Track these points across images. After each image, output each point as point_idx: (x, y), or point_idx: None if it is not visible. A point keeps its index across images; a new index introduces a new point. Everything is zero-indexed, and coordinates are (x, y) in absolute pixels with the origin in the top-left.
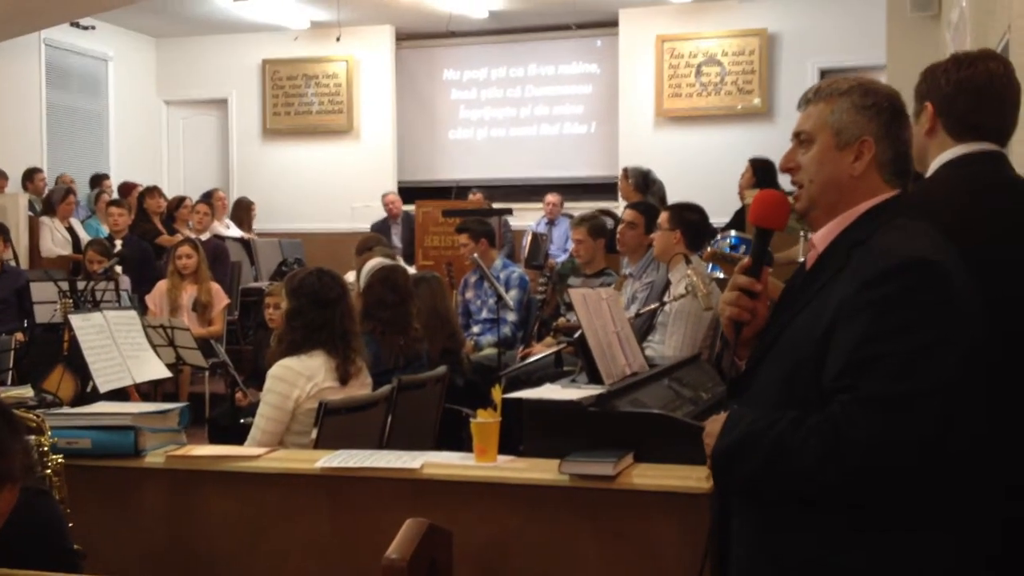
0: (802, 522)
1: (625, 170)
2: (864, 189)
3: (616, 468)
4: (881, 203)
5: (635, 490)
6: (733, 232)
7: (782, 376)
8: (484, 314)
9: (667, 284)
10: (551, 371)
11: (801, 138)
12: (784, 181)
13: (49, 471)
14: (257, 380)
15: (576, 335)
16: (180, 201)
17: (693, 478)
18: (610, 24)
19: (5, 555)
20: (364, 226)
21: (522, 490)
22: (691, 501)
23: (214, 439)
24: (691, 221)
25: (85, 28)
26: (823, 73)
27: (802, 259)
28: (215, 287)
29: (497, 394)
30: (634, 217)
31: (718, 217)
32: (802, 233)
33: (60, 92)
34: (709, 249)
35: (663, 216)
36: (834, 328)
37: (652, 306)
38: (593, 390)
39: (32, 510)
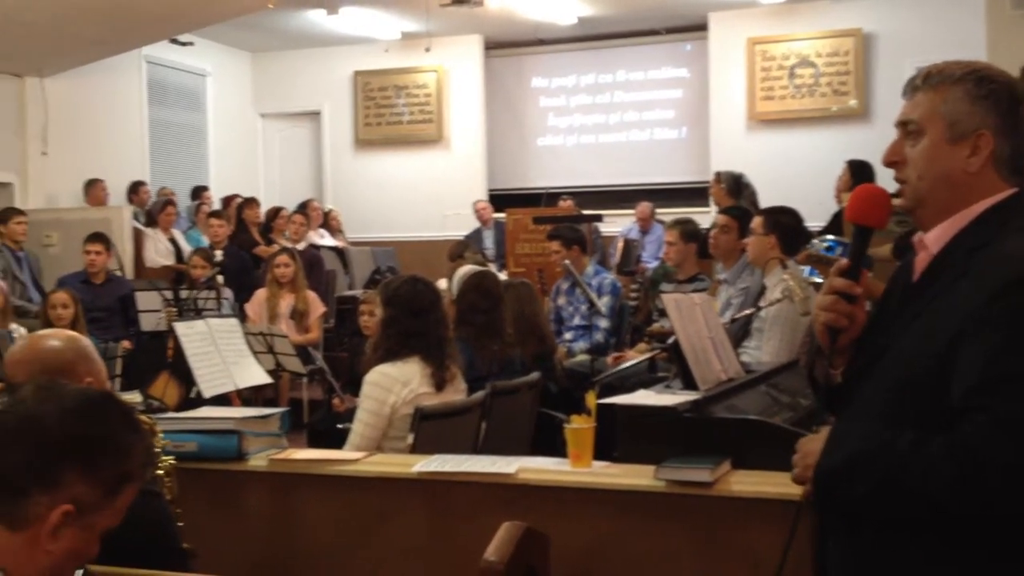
0: (904, 540)
1: (717, 175)
2: (980, 187)
3: (713, 474)
4: (1000, 202)
5: (733, 497)
6: (830, 236)
7: (891, 390)
8: (576, 320)
9: (762, 289)
10: (645, 377)
11: (909, 128)
12: (883, 183)
13: (161, 472)
14: (353, 386)
15: (670, 341)
16: (276, 212)
17: (794, 485)
18: (699, 28)
19: (119, 554)
20: (455, 234)
21: (618, 496)
22: (791, 509)
23: (313, 444)
24: (786, 225)
25: (184, 44)
26: None
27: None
28: (311, 295)
29: (592, 400)
30: (727, 222)
31: (813, 221)
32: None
33: (161, 107)
34: (805, 252)
35: (757, 220)
36: (957, 342)
37: (747, 311)
38: (688, 396)
39: (144, 510)
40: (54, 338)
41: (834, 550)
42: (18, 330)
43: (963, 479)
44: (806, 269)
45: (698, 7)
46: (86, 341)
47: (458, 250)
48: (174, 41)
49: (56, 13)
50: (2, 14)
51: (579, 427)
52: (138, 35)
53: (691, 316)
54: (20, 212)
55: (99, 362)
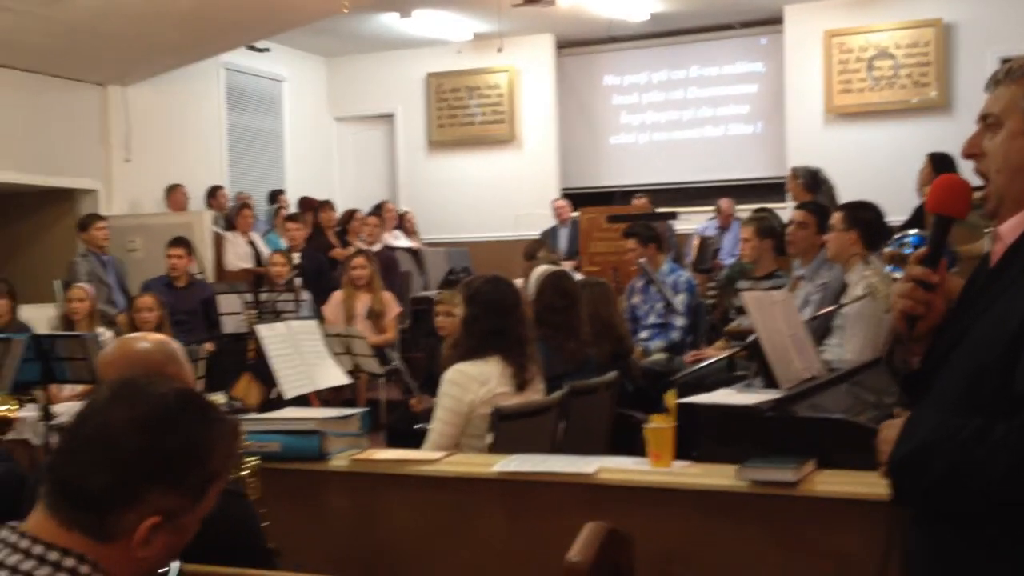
0: (976, 538)
1: (794, 170)
2: None
3: (797, 474)
4: None
5: (818, 497)
6: (913, 231)
7: (966, 378)
8: (652, 319)
9: (844, 286)
10: (723, 376)
11: (988, 121)
12: (965, 176)
13: (245, 473)
14: (430, 386)
15: (750, 339)
16: (351, 214)
17: (880, 485)
18: (774, 21)
19: (207, 554)
20: (527, 233)
21: (699, 496)
22: (878, 509)
23: (391, 443)
24: (867, 220)
25: (261, 51)
26: (1004, 63)
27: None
28: (387, 296)
29: (671, 399)
30: (805, 217)
31: (894, 216)
32: (986, 230)
33: (239, 113)
34: (888, 250)
35: (837, 216)
36: None
37: (829, 308)
38: (769, 395)
39: (230, 511)
40: (144, 340)
41: (917, 541)
42: (104, 333)
43: (1016, 468)
44: (889, 267)
45: (773, 0)
46: (175, 344)
47: (532, 249)
48: (251, 47)
49: (137, 22)
50: (85, 25)
51: (659, 427)
52: (217, 42)
53: (771, 314)
54: (101, 218)
55: (187, 364)
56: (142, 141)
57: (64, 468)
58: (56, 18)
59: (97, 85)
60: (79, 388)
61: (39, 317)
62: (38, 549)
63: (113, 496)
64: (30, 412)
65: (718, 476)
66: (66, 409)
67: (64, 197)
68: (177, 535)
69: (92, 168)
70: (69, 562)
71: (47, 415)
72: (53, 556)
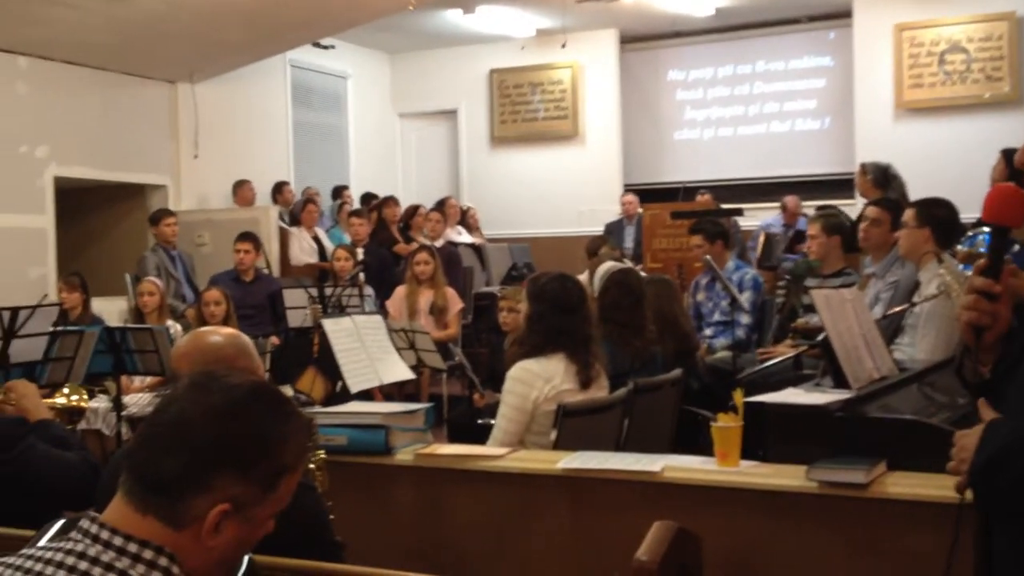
0: None
1: (863, 166)
2: None
3: (868, 476)
4: None
5: (889, 499)
6: (986, 229)
7: None
8: (716, 316)
9: (916, 284)
10: (789, 374)
11: None
12: None
13: (313, 466)
14: (493, 382)
15: (819, 338)
16: (415, 210)
17: (953, 487)
18: (843, 15)
19: (277, 547)
20: (590, 230)
21: (767, 496)
22: (949, 512)
23: (453, 438)
24: (940, 217)
25: (326, 48)
26: None
27: None
28: (450, 292)
29: (739, 398)
30: (879, 214)
31: (968, 213)
32: None
33: (304, 110)
34: (962, 249)
35: (909, 213)
36: None
37: (901, 307)
38: (839, 395)
39: (301, 504)
40: (216, 334)
41: (1000, 543)
42: (174, 326)
43: None
44: (962, 265)
45: None
46: (245, 338)
47: (595, 246)
48: (316, 45)
49: (206, 20)
50: (155, 23)
51: (726, 425)
52: (283, 40)
53: (841, 312)
54: (171, 213)
55: (257, 358)
56: (210, 137)
57: (140, 453)
58: (126, 17)
59: (167, 82)
60: (149, 380)
61: (110, 310)
62: (118, 540)
63: (184, 480)
64: (102, 403)
65: (787, 476)
66: (136, 400)
67: (134, 193)
68: (248, 527)
69: (162, 164)
70: (148, 554)
71: (118, 406)
72: (133, 548)
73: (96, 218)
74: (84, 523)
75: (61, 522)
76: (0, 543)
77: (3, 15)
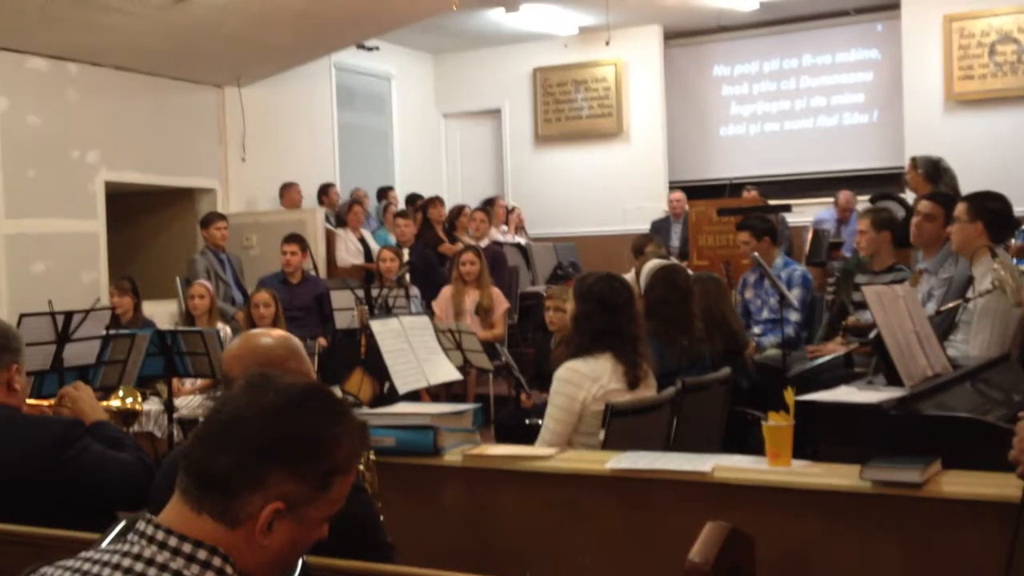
0: None
1: (913, 159)
2: None
3: (924, 475)
4: None
5: (945, 499)
6: None
7: None
8: (765, 314)
9: (969, 280)
10: (840, 372)
11: None
12: None
13: (362, 467)
14: (539, 382)
15: (871, 335)
16: (460, 210)
17: (1011, 486)
18: (891, 7)
19: (329, 547)
20: (635, 228)
21: (820, 496)
22: (1005, 511)
23: (500, 438)
24: (994, 211)
25: (370, 49)
26: None
27: None
28: (496, 292)
29: (790, 397)
30: (932, 209)
31: (1020, 207)
32: None
33: (349, 111)
34: (1016, 243)
35: (961, 207)
36: None
37: (954, 303)
38: (892, 393)
39: (353, 505)
40: (266, 336)
41: None
42: (223, 329)
43: None
44: (1015, 259)
45: None
46: (296, 340)
47: (640, 244)
48: (360, 46)
49: (253, 24)
50: (203, 27)
51: (778, 425)
52: (328, 42)
53: (894, 309)
54: (221, 217)
55: (307, 360)
56: (257, 140)
57: (195, 451)
58: (174, 22)
59: (214, 87)
60: (199, 382)
61: (160, 313)
62: (173, 540)
63: (237, 476)
64: (153, 405)
65: (840, 476)
66: (187, 402)
67: (184, 196)
68: (301, 528)
69: (210, 168)
70: (202, 554)
71: (170, 408)
72: (187, 548)
73: (146, 222)
74: (140, 524)
75: (122, 524)
76: (54, 544)
77: (56, 22)
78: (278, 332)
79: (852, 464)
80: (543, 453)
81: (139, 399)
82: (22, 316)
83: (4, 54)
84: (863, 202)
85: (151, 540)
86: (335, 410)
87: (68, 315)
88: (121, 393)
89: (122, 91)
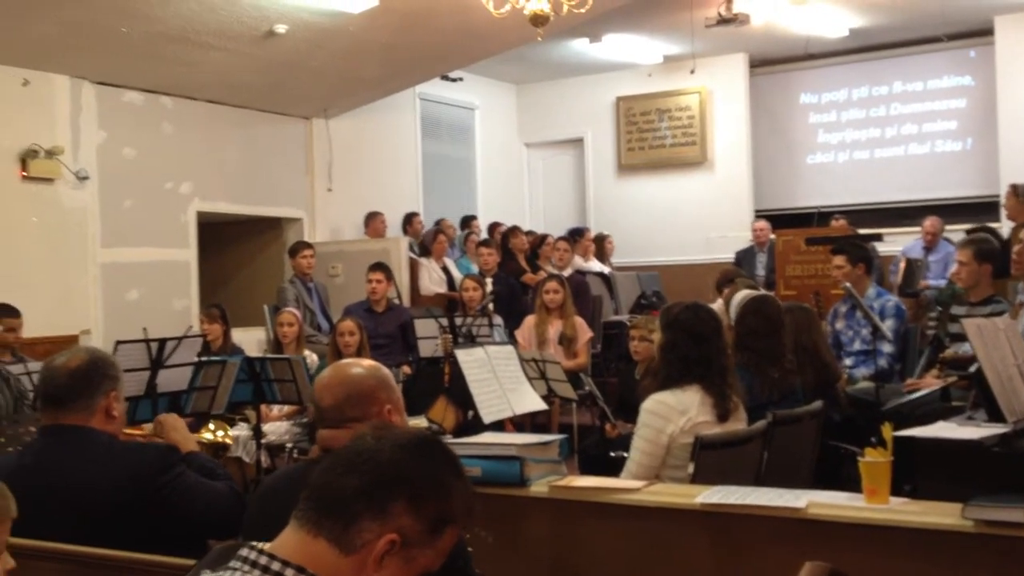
0: None
1: (1013, 187)
2: None
3: None
4: None
5: None
6: None
7: None
8: (857, 345)
9: None
10: (937, 407)
11: None
12: None
13: None
14: (623, 412)
15: (972, 368)
16: (543, 239)
17: None
18: (984, 33)
19: None
20: (720, 256)
21: (920, 535)
22: None
23: (584, 469)
24: None
25: (454, 80)
26: None
27: None
28: (579, 321)
29: (887, 432)
30: None
31: None
32: None
33: (433, 141)
34: None
35: None
36: None
37: None
38: (994, 428)
39: None
40: (358, 366)
41: None
42: (310, 356)
43: None
44: None
45: (982, 11)
46: (386, 370)
47: (727, 276)
48: (445, 77)
49: (342, 58)
50: (293, 61)
51: (876, 460)
52: (414, 74)
53: (995, 342)
54: (308, 246)
55: (397, 390)
56: (343, 171)
57: (321, 478)
58: (267, 56)
59: (303, 119)
60: (286, 408)
61: (248, 340)
62: (276, 565)
63: (360, 500)
64: (242, 431)
65: (941, 514)
66: (274, 428)
67: (271, 226)
68: (406, 570)
69: (298, 198)
70: None
71: (258, 434)
72: (289, 573)
73: (235, 251)
74: (244, 551)
75: (218, 550)
76: (145, 570)
77: (154, 58)
78: (368, 362)
79: (953, 502)
80: (631, 486)
81: (228, 431)
82: (118, 343)
83: (103, 88)
84: (952, 231)
85: (254, 565)
86: (457, 464)
87: (162, 342)
88: (212, 426)
89: (214, 124)
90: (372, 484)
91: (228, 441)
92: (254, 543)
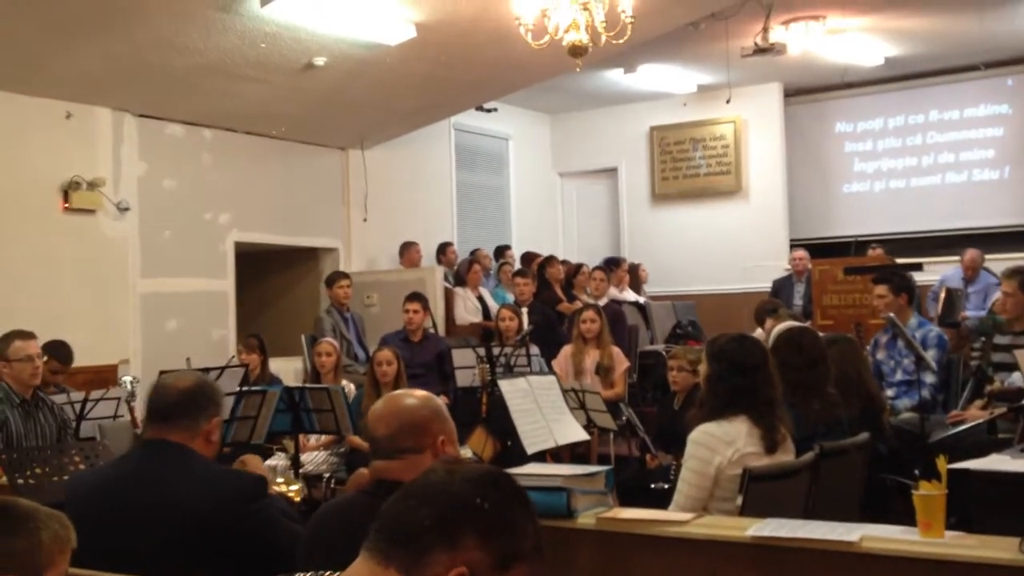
0: None
1: None
2: None
3: None
4: None
5: None
6: None
7: None
8: (899, 376)
9: None
10: (983, 438)
11: None
12: None
13: None
14: (662, 442)
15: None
16: (578, 268)
17: None
18: (1022, 61)
19: None
20: (756, 286)
21: (976, 570)
22: None
23: (624, 501)
24: None
25: (488, 111)
26: None
27: None
28: (616, 351)
29: (942, 464)
30: None
31: None
32: None
33: (467, 171)
34: None
35: None
36: None
37: None
38: None
39: None
40: (411, 396)
41: None
42: (348, 386)
43: None
44: None
45: (1020, 39)
46: (439, 401)
47: (766, 307)
48: (479, 108)
49: (378, 90)
50: (331, 93)
51: (930, 494)
52: (450, 105)
53: None
54: (345, 276)
55: (450, 421)
56: (378, 201)
57: (392, 510)
58: (305, 88)
59: (339, 149)
60: (324, 438)
61: (285, 369)
62: None
63: (432, 531)
64: (280, 461)
65: (998, 549)
66: (312, 459)
67: (308, 256)
68: None
69: (334, 228)
70: None
71: (296, 464)
72: None
73: (272, 281)
74: None
75: None
76: None
77: (195, 91)
78: (422, 393)
79: (1010, 536)
80: (680, 518)
81: (299, 492)
82: (162, 373)
83: (145, 121)
84: (991, 259)
85: None
86: (528, 502)
87: (205, 372)
88: (280, 480)
89: (253, 155)
90: (444, 517)
91: (296, 499)
92: (324, 572)
